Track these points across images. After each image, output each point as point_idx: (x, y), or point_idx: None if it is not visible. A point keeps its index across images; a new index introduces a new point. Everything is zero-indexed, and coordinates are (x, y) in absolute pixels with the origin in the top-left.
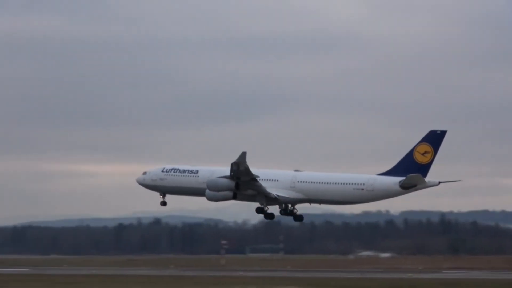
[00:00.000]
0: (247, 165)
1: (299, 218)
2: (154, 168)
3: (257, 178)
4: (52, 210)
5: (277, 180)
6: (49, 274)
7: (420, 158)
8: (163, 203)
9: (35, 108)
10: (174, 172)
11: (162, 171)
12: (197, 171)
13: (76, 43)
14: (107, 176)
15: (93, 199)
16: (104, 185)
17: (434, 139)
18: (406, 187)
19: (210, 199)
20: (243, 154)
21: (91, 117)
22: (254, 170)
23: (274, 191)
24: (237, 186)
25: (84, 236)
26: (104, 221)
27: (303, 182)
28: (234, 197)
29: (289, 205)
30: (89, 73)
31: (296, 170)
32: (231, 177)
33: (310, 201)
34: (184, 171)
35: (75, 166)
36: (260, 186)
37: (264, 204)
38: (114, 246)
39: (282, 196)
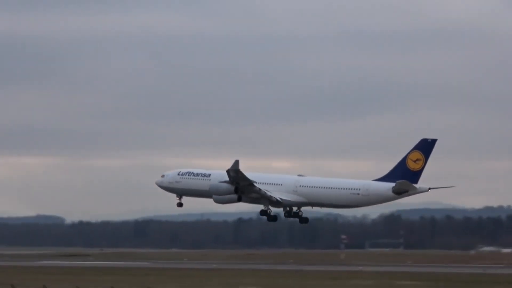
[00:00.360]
0: (241, 172)
1: (304, 220)
2: (171, 172)
3: (254, 183)
4: (173, 205)
5: (281, 184)
6: (169, 268)
7: (412, 165)
8: (179, 204)
9: (160, 103)
10: (188, 175)
11: (178, 174)
12: (209, 175)
13: (200, 40)
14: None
15: None
16: None
17: (426, 147)
18: (398, 193)
19: (217, 201)
20: (236, 163)
21: (215, 113)
22: (258, 175)
23: (277, 194)
24: (236, 190)
25: (204, 230)
26: (224, 216)
27: (305, 186)
28: (239, 199)
29: (295, 208)
30: (213, 70)
31: (299, 175)
32: (230, 182)
33: (311, 204)
34: (197, 174)
35: (199, 161)
36: (259, 190)
37: (268, 207)
38: (233, 240)
39: (286, 200)
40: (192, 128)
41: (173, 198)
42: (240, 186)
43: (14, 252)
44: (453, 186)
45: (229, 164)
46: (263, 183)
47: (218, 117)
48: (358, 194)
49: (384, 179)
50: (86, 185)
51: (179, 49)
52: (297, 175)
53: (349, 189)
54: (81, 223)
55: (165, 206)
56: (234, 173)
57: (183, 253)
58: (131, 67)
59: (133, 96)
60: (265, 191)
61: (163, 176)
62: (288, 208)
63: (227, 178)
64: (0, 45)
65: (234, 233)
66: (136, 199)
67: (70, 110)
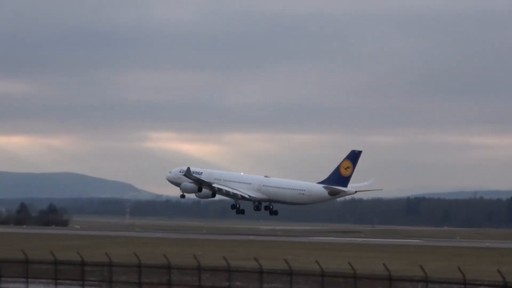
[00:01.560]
0: (191, 175)
1: (274, 213)
2: (175, 169)
3: (212, 184)
4: (445, 182)
5: (250, 183)
6: (440, 246)
7: (343, 172)
8: (182, 196)
9: (436, 81)
10: (183, 172)
11: (179, 172)
12: (201, 173)
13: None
14: (505, 149)
15: (488, 171)
16: (502, 157)
17: (354, 157)
18: (332, 194)
19: (198, 197)
20: (187, 169)
21: (486, 89)
22: (233, 175)
23: (246, 191)
24: (200, 189)
25: (477, 208)
26: (499, 194)
27: (266, 186)
28: (213, 195)
29: (267, 203)
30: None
31: (265, 176)
32: (194, 182)
33: (270, 200)
34: (192, 172)
35: (471, 138)
36: (220, 189)
37: (237, 202)
38: (508, 218)
39: (252, 196)
40: (467, 105)
41: (441, 174)
42: (202, 186)
43: (287, 227)
44: (381, 189)
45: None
46: (235, 182)
47: (491, 94)
48: (303, 194)
49: (324, 182)
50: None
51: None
52: (264, 176)
53: (297, 189)
54: (353, 200)
55: (437, 183)
56: (187, 176)
57: (455, 231)
58: (401, 45)
59: (405, 74)
60: (228, 189)
61: (170, 172)
62: (256, 203)
63: (215, 177)
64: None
65: (508, 211)
66: (408, 176)
67: (344, 87)
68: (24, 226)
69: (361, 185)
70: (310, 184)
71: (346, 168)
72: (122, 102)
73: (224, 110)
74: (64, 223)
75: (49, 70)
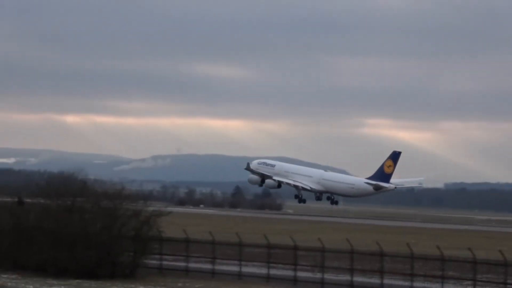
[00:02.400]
0: (251, 169)
1: (335, 203)
2: (254, 161)
3: (271, 177)
4: None
5: (311, 177)
6: None
7: (386, 170)
8: (260, 185)
9: None
10: (262, 164)
11: (258, 164)
12: (274, 166)
13: None
14: None
15: None
16: None
17: (395, 157)
18: (376, 189)
19: (266, 187)
20: (247, 164)
21: None
22: (295, 168)
23: (308, 183)
24: (262, 181)
25: None
26: None
27: (325, 179)
28: (279, 186)
29: (328, 194)
30: None
31: (325, 171)
32: (257, 175)
33: (328, 192)
34: (267, 164)
35: None
36: (281, 181)
37: (299, 192)
38: None
39: (313, 188)
40: None
41: None
42: (263, 178)
43: (503, 218)
44: (421, 184)
45: None
46: (299, 175)
47: None
48: (353, 188)
49: (371, 178)
50: None
51: None
52: (324, 171)
53: (347, 183)
54: None
55: None
56: (249, 171)
57: None
58: None
59: None
60: (289, 181)
61: (249, 163)
62: (318, 194)
63: (285, 169)
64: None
65: None
66: None
67: None
68: (239, 209)
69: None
70: (359, 179)
71: (388, 167)
72: (338, 88)
73: (440, 98)
74: (277, 207)
75: (266, 55)
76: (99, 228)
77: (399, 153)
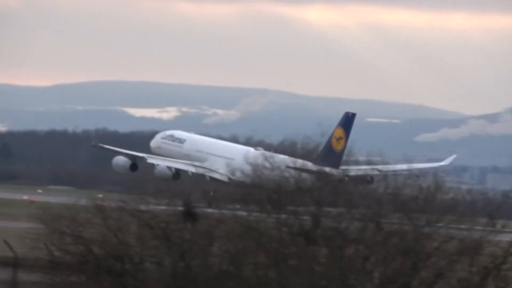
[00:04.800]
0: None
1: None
2: (157, 135)
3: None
4: None
5: (233, 158)
6: None
7: (335, 145)
8: None
9: None
10: (167, 139)
11: (162, 138)
12: (183, 140)
13: None
14: None
15: None
16: None
17: (348, 122)
18: (319, 179)
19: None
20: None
21: None
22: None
23: (223, 171)
24: (134, 165)
25: None
26: None
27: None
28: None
29: None
30: None
31: (255, 149)
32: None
33: None
34: (174, 138)
35: None
36: (178, 168)
37: (209, 187)
38: None
39: (232, 179)
40: None
41: None
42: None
43: None
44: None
45: None
46: (214, 155)
47: None
48: None
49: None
50: None
51: None
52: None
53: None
54: None
55: None
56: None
57: None
58: None
59: None
60: (187, 168)
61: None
62: None
63: (200, 147)
64: None
65: None
66: None
67: None
68: None
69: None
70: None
71: (338, 139)
72: None
73: None
74: None
75: None
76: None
77: (353, 115)
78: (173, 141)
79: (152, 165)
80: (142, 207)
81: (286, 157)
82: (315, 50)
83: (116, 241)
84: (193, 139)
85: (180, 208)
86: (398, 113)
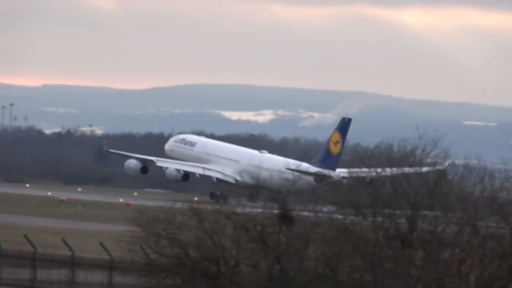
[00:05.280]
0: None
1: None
2: (171, 139)
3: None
4: None
5: (238, 161)
6: None
7: (333, 149)
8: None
9: None
10: (179, 143)
11: (175, 142)
12: (195, 143)
13: None
14: None
15: None
16: None
17: (344, 127)
18: (318, 180)
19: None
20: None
21: None
22: (218, 149)
23: (230, 173)
24: (144, 168)
25: None
26: None
27: (255, 166)
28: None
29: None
30: None
31: (260, 152)
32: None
33: (259, 187)
34: (186, 142)
35: None
36: (187, 171)
37: (215, 187)
38: None
39: (239, 180)
40: None
41: None
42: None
43: None
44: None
45: None
46: (221, 157)
47: None
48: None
49: (314, 164)
50: None
51: None
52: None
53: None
54: None
55: None
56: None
57: None
58: None
59: None
60: (196, 170)
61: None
62: (249, 191)
63: (210, 150)
64: None
65: None
66: None
67: None
68: None
69: None
70: (303, 165)
71: (335, 143)
72: None
73: None
74: None
75: None
76: None
77: (349, 120)
78: (185, 144)
79: (161, 168)
80: (238, 210)
81: (285, 159)
82: (411, 53)
83: (212, 244)
84: (203, 142)
85: (276, 211)
86: (494, 116)
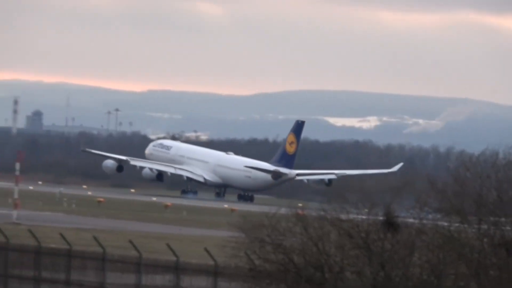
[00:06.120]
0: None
1: (249, 199)
2: (150, 144)
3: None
4: None
5: (207, 162)
6: None
7: (288, 149)
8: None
9: None
10: (157, 147)
11: (154, 146)
12: (170, 147)
13: None
14: None
15: None
16: None
17: (298, 129)
18: (275, 177)
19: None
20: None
21: None
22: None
23: (201, 172)
24: (120, 167)
25: None
26: None
27: (220, 166)
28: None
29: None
30: None
31: (226, 153)
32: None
33: (226, 185)
34: (163, 146)
35: None
36: (161, 170)
37: (186, 185)
38: None
39: (207, 179)
40: None
41: None
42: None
43: None
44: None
45: None
46: (193, 159)
47: None
48: (250, 177)
49: (272, 163)
50: None
51: None
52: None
53: (245, 171)
54: None
55: None
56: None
57: None
58: None
59: None
60: (167, 170)
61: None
62: (216, 188)
63: (183, 153)
64: None
65: None
66: None
67: None
68: None
69: None
70: (263, 164)
71: (290, 144)
72: None
73: None
74: None
75: None
76: None
77: (302, 123)
78: (161, 148)
79: (135, 166)
80: (343, 216)
81: (248, 159)
82: None
83: (316, 250)
84: (177, 146)
85: (381, 218)
86: None
